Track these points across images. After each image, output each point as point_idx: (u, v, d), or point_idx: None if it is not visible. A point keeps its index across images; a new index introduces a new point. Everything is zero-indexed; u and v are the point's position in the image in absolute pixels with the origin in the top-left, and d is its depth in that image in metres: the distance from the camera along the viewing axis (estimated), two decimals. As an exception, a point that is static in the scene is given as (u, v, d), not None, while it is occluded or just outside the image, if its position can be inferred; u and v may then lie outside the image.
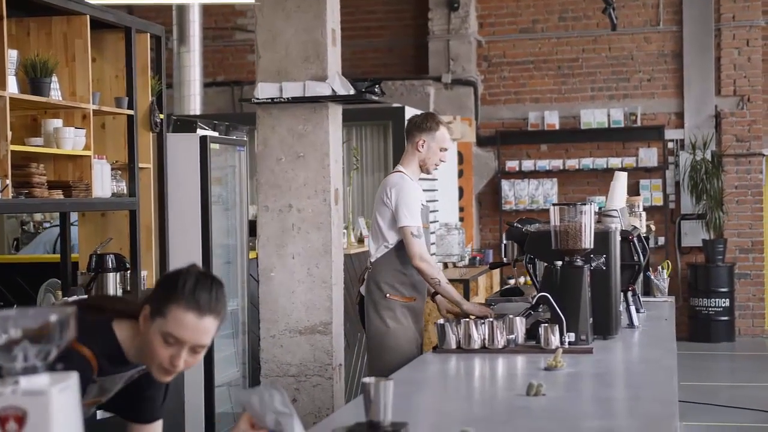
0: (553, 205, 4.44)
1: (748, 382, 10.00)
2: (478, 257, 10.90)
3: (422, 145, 5.24)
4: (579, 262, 4.38)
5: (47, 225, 8.77)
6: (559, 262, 4.38)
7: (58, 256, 5.66)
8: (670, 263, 6.90)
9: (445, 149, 5.31)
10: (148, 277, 5.75)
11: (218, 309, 2.56)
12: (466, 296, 8.84)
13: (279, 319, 5.65)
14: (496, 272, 11.08)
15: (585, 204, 4.39)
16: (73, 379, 1.78)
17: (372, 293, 5.22)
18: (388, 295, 5.16)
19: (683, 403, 8.27)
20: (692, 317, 12.28)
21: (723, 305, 12.14)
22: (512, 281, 12.10)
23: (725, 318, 12.17)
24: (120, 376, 2.69)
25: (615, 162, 12.47)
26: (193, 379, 6.16)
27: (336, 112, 5.92)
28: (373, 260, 5.26)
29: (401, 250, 5.15)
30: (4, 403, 1.70)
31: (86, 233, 5.66)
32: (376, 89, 6.01)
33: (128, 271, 5.46)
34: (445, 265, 10.18)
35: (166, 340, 2.53)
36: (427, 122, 5.28)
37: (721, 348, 11.92)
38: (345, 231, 7.90)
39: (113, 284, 5.31)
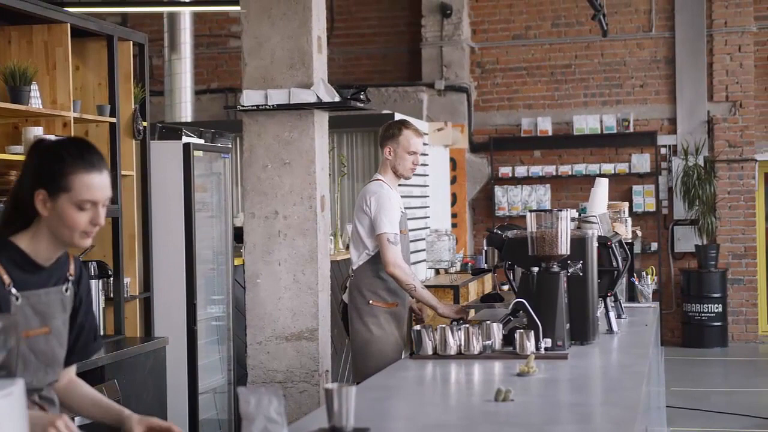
0: (530, 211, 4.46)
1: (740, 388, 10.01)
2: (470, 263, 10.91)
3: (390, 153, 5.35)
4: (555, 268, 4.39)
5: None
6: (536, 268, 4.39)
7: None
8: (654, 269, 6.91)
9: (414, 152, 5.37)
10: (131, 284, 5.76)
11: (105, 161, 2.72)
12: (456, 302, 8.85)
13: (265, 326, 5.67)
14: (488, 278, 11.09)
15: (561, 210, 4.40)
16: (18, 386, 1.80)
17: (355, 300, 5.30)
18: (371, 301, 5.25)
19: (674, 408, 8.28)
20: (685, 323, 12.29)
21: (716, 311, 12.14)
22: (506, 287, 12.11)
23: (718, 323, 12.18)
24: (44, 292, 2.70)
25: (608, 168, 12.49)
26: (176, 385, 6.17)
27: (322, 119, 5.94)
28: (354, 267, 5.35)
29: None
30: (-55, 410, 1.71)
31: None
32: (361, 96, 6.03)
33: (111, 278, 5.48)
34: (437, 271, 10.20)
35: (82, 207, 2.63)
36: (390, 129, 5.40)
37: (714, 353, 11.93)
38: (332, 237, 7.92)
39: (96, 291, 5.32)
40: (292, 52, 5.78)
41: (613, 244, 5.02)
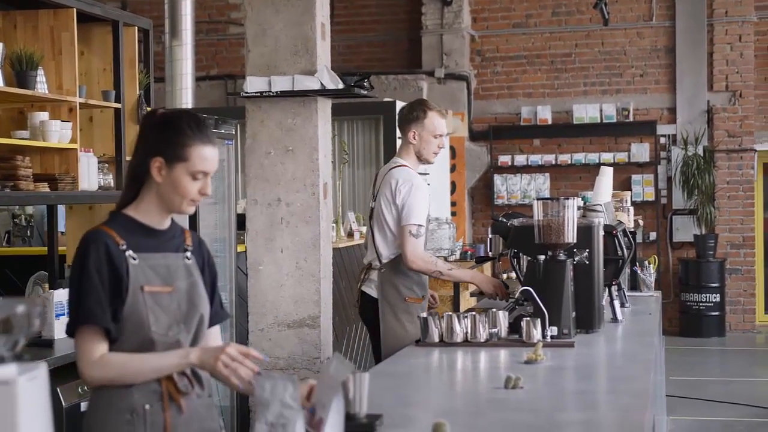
0: (537, 199, 4.45)
1: (738, 377, 10.03)
2: (470, 252, 10.92)
3: (414, 137, 5.12)
4: (562, 257, 4.39)
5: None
6: (542, 257, 4.39)
7: (46, 249, 5.67)
8: (657, 258, 6.92)
9: (440, 135, 5.13)
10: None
11: (215, 136, 2.92)
12: (456, 290, 8.85)
13: (267, 313, 5.67)
14: (488, 266, 11.10)
15: (568, 199, 4.41)
16: (41, 369, 1.80)
17: (388, 296, 5.08)
18: (407, 298, 5.05)
19: (672, 397, 8.30)
20: (683, 312, 12.32)
21: (714, 300, 12.17)
22: (505, 275, 12.13)
23: (716, 313, 12.21)
24: (162, 256, 2.86)
25: (607, 157, 12.49)
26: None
27: (325, 106, 5.94)
28: (384, 261, 5.10)
29: None
30: (-29, 393, 1.71)
31: (73, 226, 5.68)
32: (365, 83, 6.02)
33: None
34: (436, 260, 10.19)
35: (195, 177, 2.81)
36: (413, 112, 5.14)
37: (712, 343, 11.96)
38: (334, 225, 7.91)
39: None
40: (296, 39, 5.77)
41: (618, 233, 5.02)
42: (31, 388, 1.76)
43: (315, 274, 5.75)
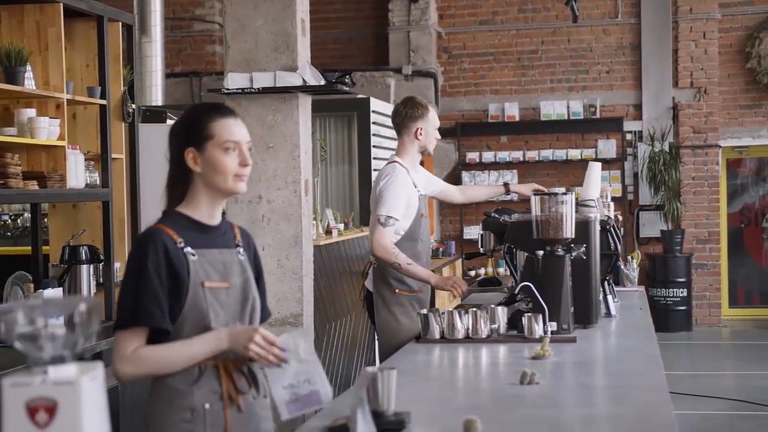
0: (535, 194, 4.45)
1: (706, 371, 10.13)
2: (440, 249, 10.94)
3: (420, 133, 5.23)
4: (560, 252, 4.39)
5: (5, 217, 8.66)
6: (541, 252, 4.38)
7: (29, 248, 5.57)
8: (639, 253, 6.95)
9: (437, 127, 5.34)
10: (122, 269, 5.67)
11: (235, 112, 2.92)
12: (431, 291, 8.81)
13: (250, 311, 5.61)
14: (459, 263, 11.13)
15: (566, 194, 4.41)
16: (99, 369, 1.76)
17: (380, 289, 5.14)
18: (397, 290, 5.11)
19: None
20: (650, 307, 12.31)
21: (681, 295, 12.28)
22: (472, 272, 12.16)
23: (683, 308, 12.32)
24: (219, 252, 2.84)
25: (574, 153, 12.56)
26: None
27: (306, 102, 5.91)
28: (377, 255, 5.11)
29: (406, 242, 5.07)
30: (34, 394, 1.67)
31: (57, 225, 5.59)
32: (346, 80, 6.00)
33: (101, 263, 5.39)
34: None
35: (227, 149, 2.79)
36: (416, 109, 5.23)
37: (679, 337, 12.07)
38: (314, 222, 7.87)
39: (86, 276, 5.24)
40: (276, 35, 5.74)
41: (610, 228, 5.04)
42: (92, 388, 1.72)
43: (297, 272, 5.72)
